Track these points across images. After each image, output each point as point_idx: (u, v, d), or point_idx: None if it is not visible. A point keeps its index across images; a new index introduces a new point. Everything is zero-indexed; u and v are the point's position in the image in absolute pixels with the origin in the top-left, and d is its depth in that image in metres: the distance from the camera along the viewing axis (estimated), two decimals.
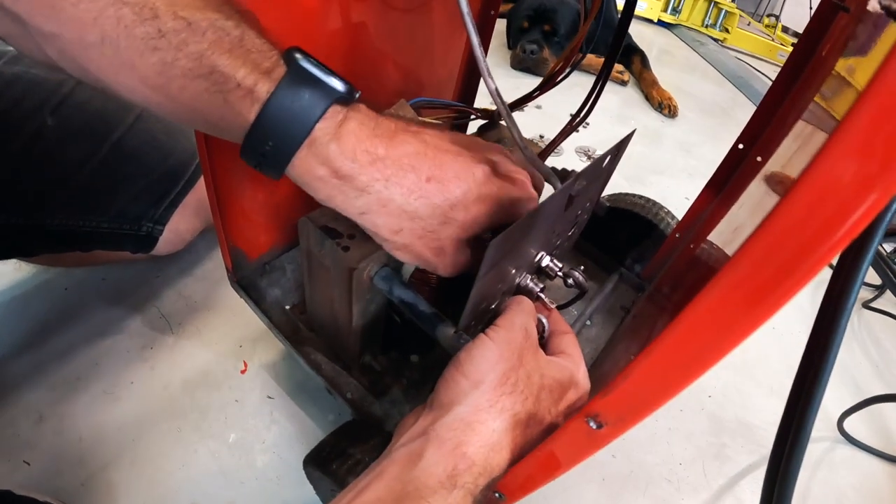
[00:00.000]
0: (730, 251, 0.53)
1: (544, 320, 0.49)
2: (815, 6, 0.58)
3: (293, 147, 0.36)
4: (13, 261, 0.89)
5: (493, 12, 0.79)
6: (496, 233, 0.35)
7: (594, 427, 0.30)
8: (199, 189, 0.82)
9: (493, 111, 0.74)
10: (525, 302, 0.47)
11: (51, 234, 0.73)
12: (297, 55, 0.36)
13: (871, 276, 1.24)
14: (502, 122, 0.73)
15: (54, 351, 0.80)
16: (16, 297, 0.86)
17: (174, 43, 0.32)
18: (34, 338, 0.81)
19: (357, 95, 0.38)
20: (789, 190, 0.19)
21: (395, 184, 0.39)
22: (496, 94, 0.41)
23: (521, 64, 2.01)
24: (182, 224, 0.82)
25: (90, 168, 0.73)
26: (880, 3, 0.29)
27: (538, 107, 1.71)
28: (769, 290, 0.22)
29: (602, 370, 0.50)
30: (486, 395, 0.39)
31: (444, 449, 0.37)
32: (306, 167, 0.37)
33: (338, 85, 0.36)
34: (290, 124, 0.35)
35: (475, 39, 0.40)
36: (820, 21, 0.59)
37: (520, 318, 0.44)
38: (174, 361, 0.82)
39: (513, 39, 2.12)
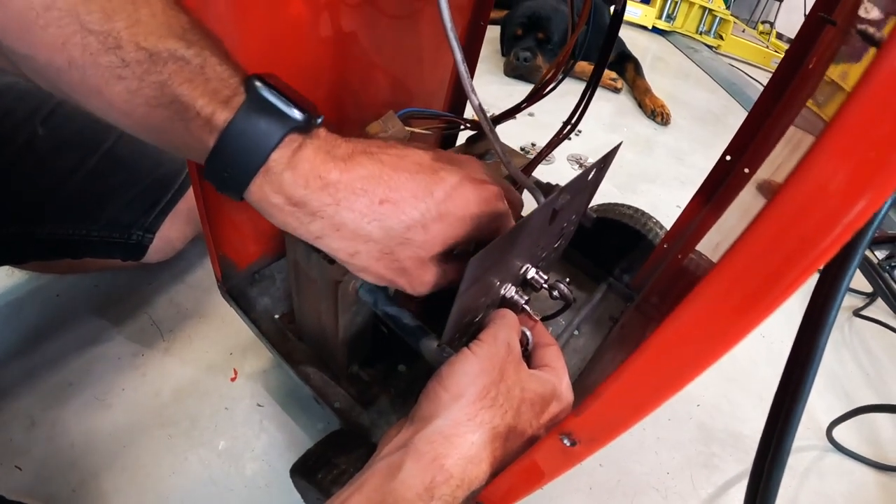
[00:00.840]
0: (715, 259, 0.53)
1: (528, 333, 0.49)
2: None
3: (248, 176, 0.36)
4: (5, 267, 0.89)
5: (482, 23, 0.79)
6: (479, 247, 0.35)
7: (568, 444, 0.31)
8: (190, 197, 0.82)
9: None
10: (509, 315, 0.47)
11: (41, 241, 0.74)
12: (257, 83, 0.36)
13: (863, 284, 1.24)
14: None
15: (46, 357, 0.80)
16: (8, 303, 0.87)
17: (137, 73, 0.33)
18: (26, 343, 0.82)
19: (319, 121, 0.38)
20: (773, 197, 0.19)
21: (345, 208, 0.38)
22: (479, 111, 0.41)
23: (515, 71, 2.02)
24: (172, 232, 0.82)
25: (81, 177, 0.73)
26: (856, 26, 0.29)
27: (530, 114, 1.71)
28: (743, 311, 0.22)
29: (589, 380, 0.50)
30: (466, 409, 0.39)
31: (423, 462, 0.37)
32: (262, 195, 0.37)
33: (295, 114, 0.36)
34: (246, 153, 0.36)
35: (458, 56, 0.41)
36: (807, 34, 0.59)
37: (503, 333, 0.44)
38: (165, 369, 0.82)
39: (507, 46, 2.13)
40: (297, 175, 0.37)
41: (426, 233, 0.41)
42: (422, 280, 0.43)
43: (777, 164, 0.50)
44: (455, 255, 0.45)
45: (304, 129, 0.37)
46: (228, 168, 0.36)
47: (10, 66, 0.34)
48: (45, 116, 0.72)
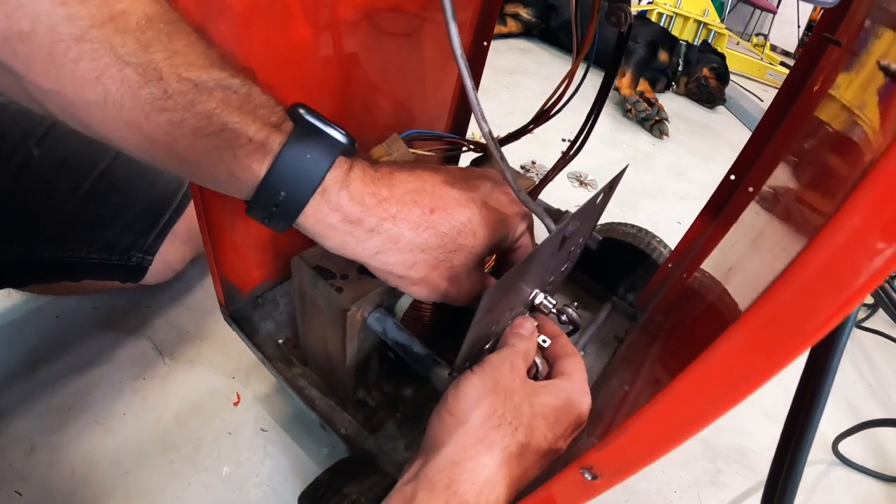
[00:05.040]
0: (725, 284, 0.53)
1: (538, 361, 0.49)
2: (802, 24, 0.59)
3: (305, 196, 0.37)
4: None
5: (485, 42, 0.79)
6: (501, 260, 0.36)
7: (589, 478, 0.30)
8: (188, 218, 0.82)
9: (485, 144, 0.74)
10: (519, 328, 0.48)
11: (39, 264, 0.73)
12: (302, 110, 0.38)
13: None
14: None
15: (46, 379, 0.79)
16: (7, 325, 0.86)
17: (181, 103, 0.32)
18: (25, 366, 0.80)
19: (356, 145, 0.40)
20: (810, 243, 0.19)
21: (402, 220, 0.41)
22: (489, 138, 0.41)
23: None
24: (171, 254, 0.81)
25: (78, 199, 0.73)
26: (878, 63, 0.29)
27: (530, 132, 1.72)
28: (779, 346, 0.21)
29: (596, 403, 0.50)
30: (474, 432, 0.39)
31: (436, 490, 0.37)
32: (319, 216, 0.38)
33: (341, 137, 0.38)
34: (302, 175, 0.36)
35: (468, 83, 0.40)
36: (811, 55, 0.59)
37: (503, 353, 0.44)
38: (167, 392, 0.81)
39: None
40: (353, 194, 0.39)
41: (475, 238, 0.44)
42: (471, 288, 0.46)
43: (787, 186, 0.50)
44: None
45: (349, 151, 0.39)
46: (284, 191, 0.37)
47: (31, 102, 0.33)
48: (40, 138, 0.71)
